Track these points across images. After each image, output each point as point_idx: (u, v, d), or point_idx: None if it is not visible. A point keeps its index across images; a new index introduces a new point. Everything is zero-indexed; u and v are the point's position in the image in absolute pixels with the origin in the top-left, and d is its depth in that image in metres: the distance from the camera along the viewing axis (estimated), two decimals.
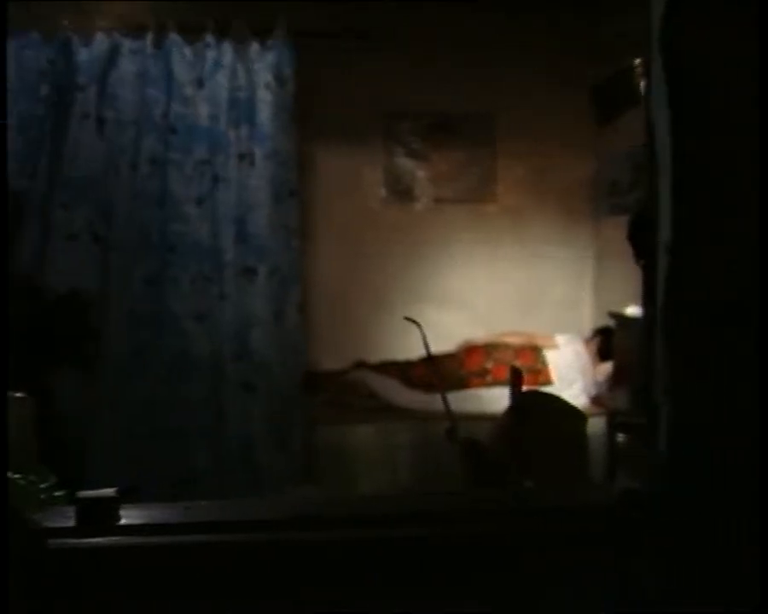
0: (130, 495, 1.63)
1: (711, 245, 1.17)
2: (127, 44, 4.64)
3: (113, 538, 1.47)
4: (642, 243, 1.23)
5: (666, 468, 1.28)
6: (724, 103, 1.18)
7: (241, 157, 4.70)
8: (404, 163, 5.35)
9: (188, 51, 4.69)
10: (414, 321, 2.64)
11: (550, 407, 2.34)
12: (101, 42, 4.60)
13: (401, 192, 5.35)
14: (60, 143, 4.55)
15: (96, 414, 4.43)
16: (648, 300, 1.25)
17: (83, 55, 4.59)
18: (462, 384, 4.94)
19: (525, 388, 4.33)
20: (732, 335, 1.20)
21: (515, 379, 2.34)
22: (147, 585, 1.43)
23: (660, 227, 1.17)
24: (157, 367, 4.58)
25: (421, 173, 5.33)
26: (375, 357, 5.14)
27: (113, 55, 4.62)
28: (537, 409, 2.25)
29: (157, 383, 4.56)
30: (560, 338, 5.27)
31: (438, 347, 4.49)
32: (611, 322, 4.81)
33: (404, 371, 4.95)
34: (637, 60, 4.01)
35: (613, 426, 1.56)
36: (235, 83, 4.71)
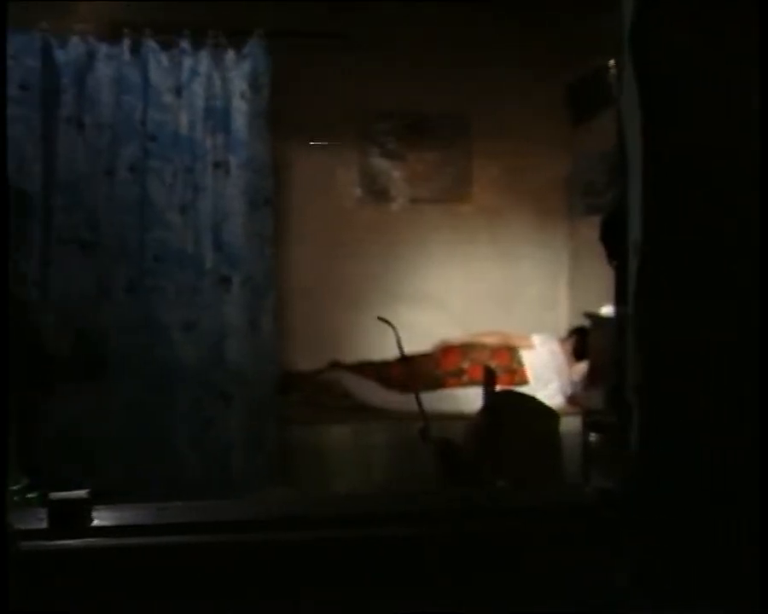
0: (103, 497, 1.62)
1: (680, 244, 1.18)
2: (103, 49, 4.63)
3: (85, 540, 1.46)
4: (614, 243, 1.24)
5: (637, 467, 1.29)
6: (695, 104, 1.18)
7: (217, 165, 4.70)
8: (380, 163, 5.35)
9: (164, 58, 4.68)
10: (387, 322, 2.65)
11: (523, 406, 2.35)
12: (77, 45, 4.58)
13: (377, 192, 5.35)
14: (45, 147, 4.53)
15: (85, 419, 4.41)
16: (620, 300, 1.25)
17: (60, 57, 4.57)
18: (439, 384, 4.95)
19: (500, 388, 4.39)
20: (703, 333, 1.21)
21: (489, 379, 2.35)
22: (119, 587, 1.42)
23: (631, 227, 1.18)
24: (143, 376, 4.58)
25: (396, 173, 5.34)
26: (352, 358, 5.14)
27: (89, 60, 4.61)
28: (510, 409, 2.26)
29: (143, 391, 4.56)
30: (536, 338, 5.29)
31: (414, 347, 4.51)
32: (586, 322, 4.83)
33: (379, 371, 4.95)
34: (612, 60, 4.03)
35: (585, 425, 1.57)
36: (211, 92, 4.71)
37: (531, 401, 2.40)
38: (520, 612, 1.38)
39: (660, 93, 1.17)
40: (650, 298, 1.20)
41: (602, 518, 1.35)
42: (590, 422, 1.63)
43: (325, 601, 1.41)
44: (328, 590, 1.42)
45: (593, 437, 1.64)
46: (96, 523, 1.51)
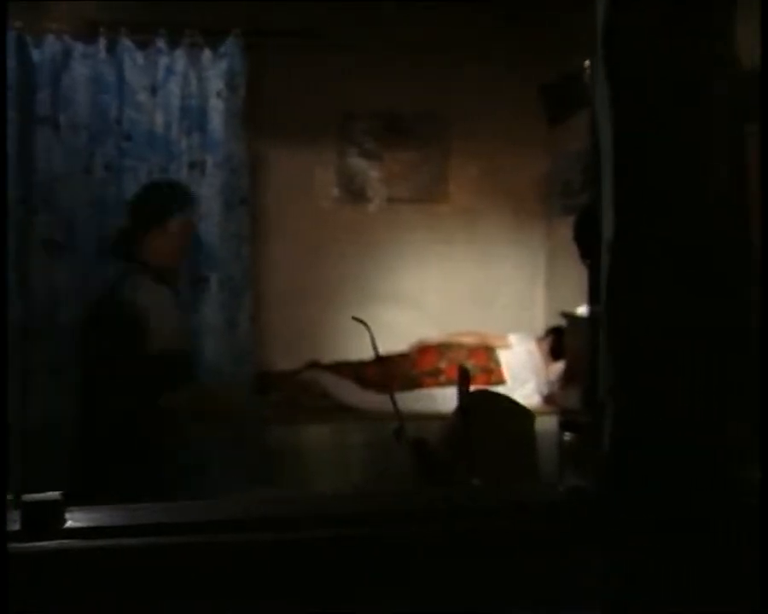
0: (77, 498, 1.61)
1: (652, 243, 1.18)
2: (79, 48, 4.61)
3: (59, 542, 1.46)
4: (587, 243, 1.24)
5: (610, 466, 1.29)
6: (668, 103, 1.19)
7: (193, 165, 4.69)
8: (357, 163, 5.35)
9: (140, 57, 4.67)
10: (361, 322, 2.64)
11: (498, 406, 2.36)
12: (52, 44, 4.56)
13: (354, 192, 5.35)
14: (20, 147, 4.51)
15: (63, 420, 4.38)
16: (593, 299, 1.26)
17: (35, 56, 4.55)
18: (416, 384, 4.95)
19: (478, 387, 4.39)
20: (676, 333, 1.22)
21: (462, 379, 2.35)
22: (93, 589, 1.41)
23: (604, 226, 1.18)
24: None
25: (374, 173, 5.33)
26: (329, 357, 5.13)
27: (65, 59, 4.59)
28: (484, 409, 2.26)
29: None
30: (513, 338, 5.29)
31: (391, 347, 4.51)
32: (563, 322, 4.84)
33: (357, 371, 4.95)
34: (587, 61, 4.04)
35: (560, 425, 1.58)
36: (187, 91, 4.70)
37: (505, 400, 2.40)
38: (493, 611, 1.39)
39: (632, 93, 1.18)
40: (622, 298, 1.21)
41: (575, 517, 1.35)
42: (565, 422, 1.64)
43: (303, 602, 1.41)
44: (306, 591, 1.41)
45: (567, 436, 1.64)
46: (69, 524, 1.50)
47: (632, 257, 1.17)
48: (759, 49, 1.72)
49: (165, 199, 3.95)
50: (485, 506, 1.50)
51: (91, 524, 1.46)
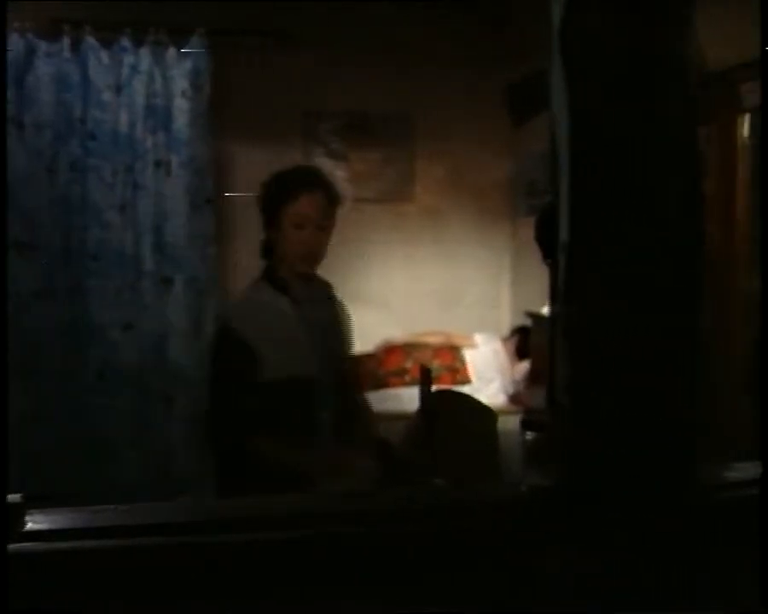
0: (38, 501, 1.60)
1: (609, 245, 1.19)
2: (43, 47, 4.58)
3: (19, 545, 1.44)
4: (548, 243, 1.25)
5: (567, 465, 1.30)
6: (624, 105, 1.20)
7: (158, 164, 4.67)
8: (323, 163, 5.33)
9: (104, 55, 4.65)
10: None
11: (460, 406, 2.37)
12: (16, 43, 4.53)
13: None
14: None
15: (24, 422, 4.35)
16: (554, 300, 1.27)
17: None
18: (382, 383, 4.96)
19: (443, 387, 4.40)
20: (632, 334, 1.23)
21: (425, 378, 2.36)
22: (53, 592, 1.40)
23: (560, 228, 1.19)
24: (83, 377, 4.53)
25: (339, 173, 5.33)
26: None
27: (29, 57, 4.55)
28: (447, 409, 2.27)
29: (82, 393, 4.51)
30: (478, 338, 5.32)
31: (357, 347, 4.50)
32: (528, 321, 4.86)
33: None
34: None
35: (521, 424, 1.58)
36: (151, 90, 4.68)
37: (468, 400, 2.41)
38: (455, 611, 1.39)
39: (587, 94, 1.18)
40: (578, 299, 1.22)
41: (536, 516, 1.36)
42: (526, 421, 1.65)
43: (267, 603, 1.41)
44: (270, 592, 1.41)
45: (529, 435, 1.65)
46: (29, 527, 1.49)
47: (588, 258, 1.18)
48: (760, 49, 1.75)
49: (295, 177, 3.12)
50: (447, 505, 1.50)
51: (52, 526, 1.45)
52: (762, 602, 1.39)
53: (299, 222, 2.94)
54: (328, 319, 3.14)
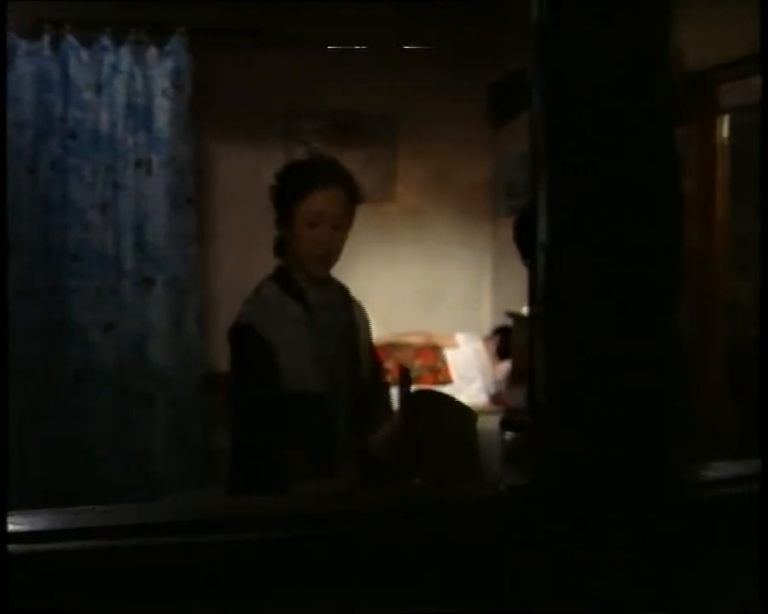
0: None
1: (588, 246, 1.19)
2: (23, 46, 4.56)
3: None
4: (526, 243, 1.25)
5: (546, 465, 1.30)
6: (603, 105, 1.20)
7: (138, 164, 4.66)
8: None
9: (85, 54, 4.63)
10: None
11: (439, 406, 2.37)
12: None
13: None
14: None
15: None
16: (532, 299, 1.27)
17: None
18: None
19: (423, 387, 4.41)
20: (612, 335, 1.23)
21: (404, 378, 2.36)
22: (33, 594, 1.40)
23: (538, 229, 1.19)
24: (62, 378, 4.51)
25: None
26: None
27: (9, 56, 4.54)
28: (426, 408, 2.27)
29: (61, 394, 4.49)
30: (459, 338, 5.32)
31: None
32: (510, 321, 4.87)
33: None
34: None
35: (501, 424, 1.59)
36: (132, 89, 4.67)
37: (447, 400, 2.42)
38: (434, 611, 1.39)
39: (566, 95, 1.19)
40: (556, 299, 1.22)
41: (515, 515, 1.37)
42: (505, 420, 1.65)
43: (244, 605, 1.41)
44: (248, 594, 1.41)
45: (508, 435, 1.66)
46: (10, 528, 1.48)
47: (566, 259, 1.19)
48: (759, 48, 1.75)
49: (310, 170, 2.85)
50: (426, 505, 1.51)
51: (32, 527, 1.44)
52: (762, 602, 1.39)
53: (313, 220, 2.71)
54: (344, 325, 2.93)
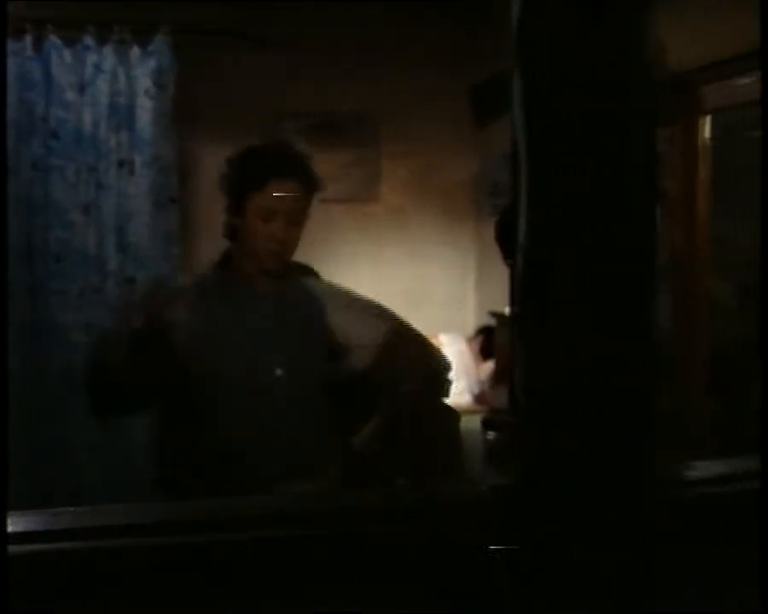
0: None
1: (567, 247, 1.20)
2: (5, 45, 4.54)
3: None
4: (508, 243, 1.26)
5: (526, 464, 1.31)
6: (582, 106, 1.21)
7: (121, 164, 4.65)
8: None
9: (67, 54, 4.62)
10: None
11: (423, 405, 2.37)
12: None
13: None
14: None
15: None
16: (513, 299, 1.27)
17: None
18: None
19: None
20: (587, 333, 1.24)
21: None
22: (10, 596, 1.39)
23: (518, 230, 1.20)
24: (42, 380, 4.49)
25: None
26: None
27: None
28: (409, 408, 2.27)
29: (41, 396, 4.47)
30: (443, 338, 5.32)
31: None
32: (493, 321, 4.88)
33: None
34: None
35: (482, 424, 1.59)
36: (115, 89, 4.65)
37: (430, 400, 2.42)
38: (412, 611, 1.39)
39: (546, 96, 1.19)
40: (535, 299, 1.22)
41: (495, 515, 1.37)
42: (487, 420, 1.66)
43: (220, 606, 1.41)
44: (223, 594, 1.41)
45: (490, 435, 1.66)
46: (10, 529, 1.48)
47: (544, 260, 1.19)
48: (759, 48, 1.76)
49: (264, 160, 2.65)
50: (408, 505, 1.51)
51: (9, 529, 1.43)
52: (762, 602, 1.40)
53: (266, 215, 2.56)
54: (302, 316, 2.74)
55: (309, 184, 2.64)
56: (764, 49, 1.70)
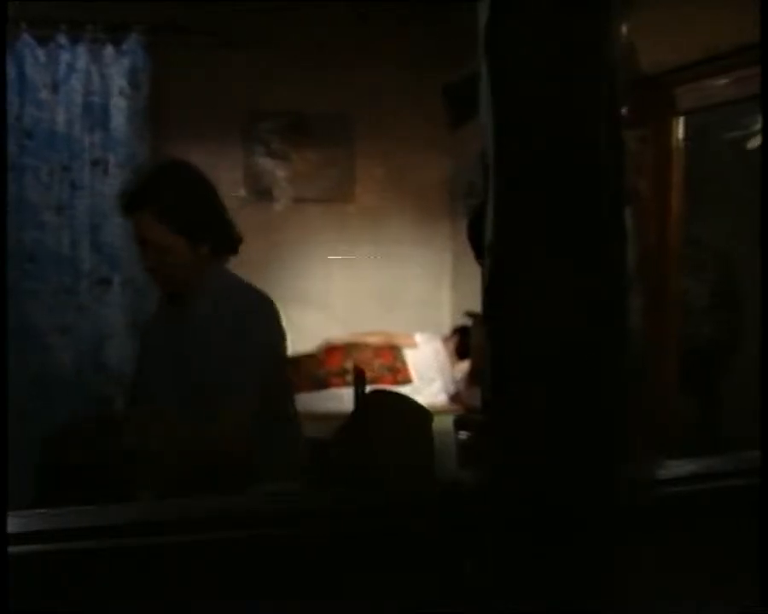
0: None
1: (532, 245, 1.21)
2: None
3: None
4: (479, 243, 1.26)
5: (498, 465, 1.31)
6: (549, 107, 1.21)
7: (95, 163, 4.62)
8: (264, 162, 5.32)
9: (40, 53, 4.59)
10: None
11: (394, 405, 2.36)
12: None
13: (261, 192, 5.31)
14: None
15: None
16: (484, 299, 1.28)
17: None
18: (323, 384, 4.95)
19: (383, 387, 4.41)
20: (556, 333, 1.24)
21: (358, 379, 2.36)
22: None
23: (487, 228, 1.20)
24: (16, 382, 4.47)
25: (280, 173, 5.31)
26: None
27: None
28: (380, 408, 2.27)
29: (16, 398, 4.44)
30: (419, 337, 5.33)
31: (298, 348, 4.50)
32: (469, 321, 4.89)
33: None
34: None
35: (454, 424, 1.60)
36: (89, 88, 4.63)
37: (402, 400, 2.41)
38: (386, 610, 1.40)
39: (513, 96, 1.20)
40: (503, 299, 1.23)
41: (467, 515, 1.37)
42: (459, 420, 1.66)
43: (193, 606, 1.41)
44: (199, 594, 1.41)
45: (462, 434, 1.67)
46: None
47: (512, 258, 1.20)
48: (759, 48, 1.77)
49: (124, 193, 2.68)
50: (381, 505, 1.51)
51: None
52: (762, 602, 1.41)
53: (138, 242, 2.61)
54: (194, 343, 2.64)
55: (163, 215, 2.56)
56: (764, 48, 1.71)
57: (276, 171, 5.33)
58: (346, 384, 4.94)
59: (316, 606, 1.40)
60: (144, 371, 2.75)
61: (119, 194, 2.67)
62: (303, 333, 4.67)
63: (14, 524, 1.37)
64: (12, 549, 1.32)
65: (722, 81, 3.38)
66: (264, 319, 2.69)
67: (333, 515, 1.45)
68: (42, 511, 1.57)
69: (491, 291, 1.21)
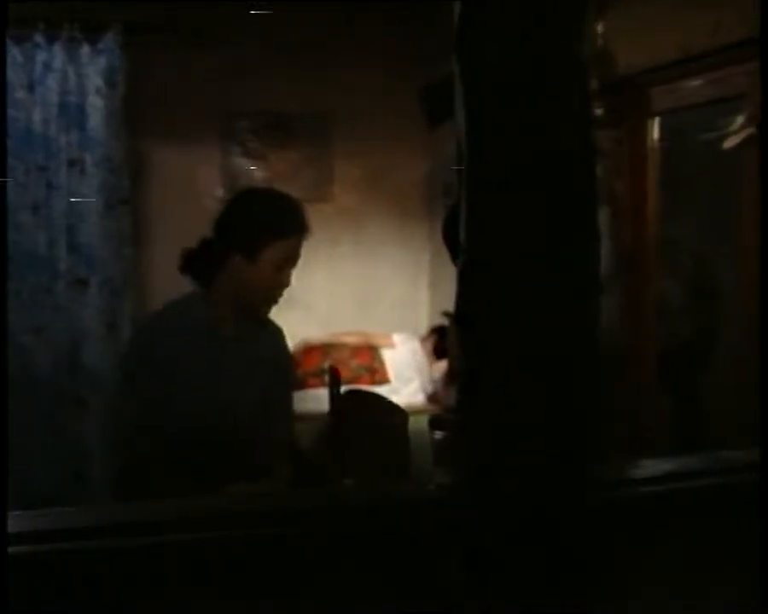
0: None
1: (503, 245, 1.21)
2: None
3: None
4: (455, 243, 1.26)
5: (470, 464, 1.31)
6: (521, 108, 1.22)
7: (71, 163, 4.60)
8: (241, 162, 5.32)
9: (16, 52, 4.57)
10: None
11: (370, 406, 2.37)
12: None
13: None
14: None
15: None
16: (458, 300, 1.28)
17: None
18: (301, 384, 4.94)
19: (360, 387, 4.41)
20: (528, 332, 1.25)
21: (333, 379, 2.36)
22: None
23: (461, 229, 1.21)
24: None
25: (258, 173, 5.31)
26: None
27: None
28: (356, 409, 2.27)
29: None
30: (396, 337, 5.33)
31: None
32: (446, 321, 4.89)
33: None
34: None
35: (429, 424, 1.60)
36: (65, 88, 4.61)
37: (377, 400, 2.42)
38: (364, 609, 1.40)
39: (484, 97, 1.20)
40: (476, 300, 1.23)
41: (442, 515, 1.38)
42: (434, 420, 1.66)
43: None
44: (175, 596, 1.41)
45: (437, 434, 1.67)
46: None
47: (485, 261, 1.20)
48: (759, 48, 1.78)
49: (288, 216, 2.79)
50: (356, 505, 1.51)
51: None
52: (762, 602, 1.41)
53: (281, 264, 2.71)
54: (268, 352, 2.87)
55: (307, 233, 2.79)
56: (764, 47, 1.72)
57: (254, 171, 5.32)
58: (324, 384, 4.92)
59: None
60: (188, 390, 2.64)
61: (279, 217, 2.76)
62: None
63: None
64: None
65: (697, 82, 3.39)
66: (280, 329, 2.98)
67: (310, 515, 1.45)
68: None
69: (464, 291, 1.21)
